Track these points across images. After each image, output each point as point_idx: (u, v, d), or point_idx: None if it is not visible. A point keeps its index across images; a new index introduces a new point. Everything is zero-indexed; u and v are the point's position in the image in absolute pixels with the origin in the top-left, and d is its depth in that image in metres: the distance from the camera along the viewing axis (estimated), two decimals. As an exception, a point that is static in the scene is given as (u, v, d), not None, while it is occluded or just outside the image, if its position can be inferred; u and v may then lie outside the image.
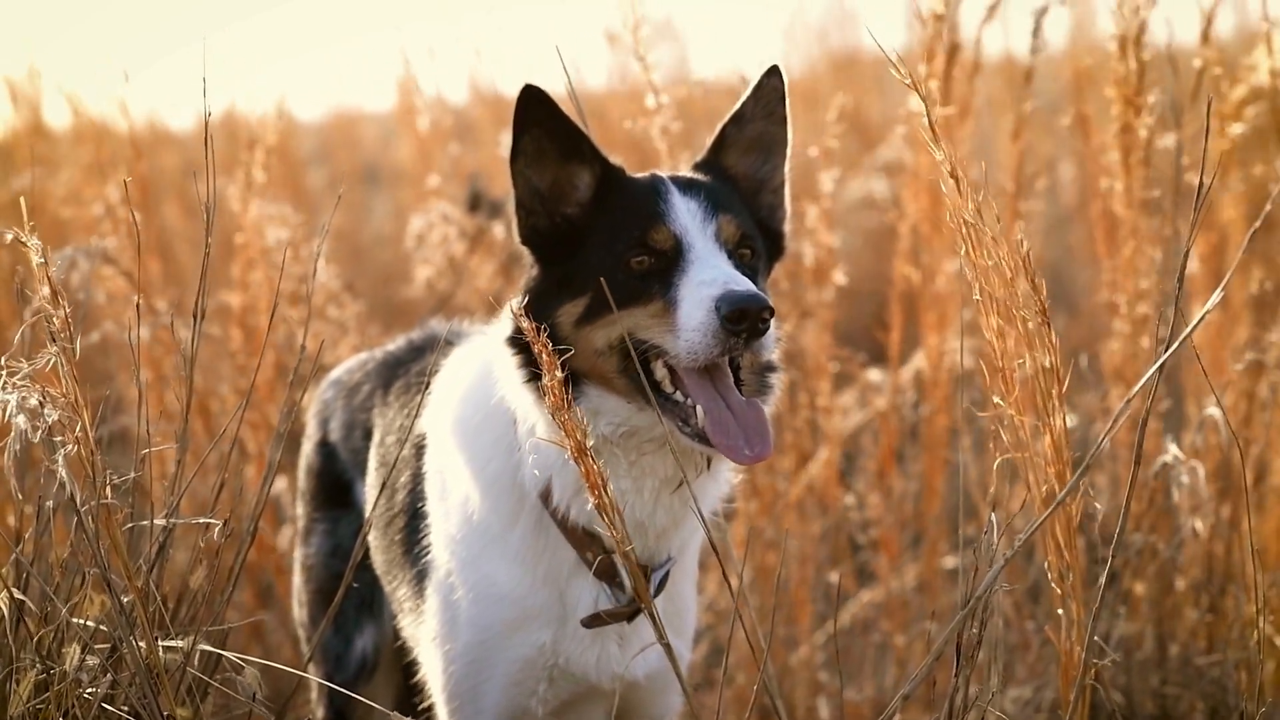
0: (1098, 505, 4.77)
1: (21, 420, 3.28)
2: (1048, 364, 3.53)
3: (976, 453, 6.13)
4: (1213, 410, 5.08)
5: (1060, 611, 3.71)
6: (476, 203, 7.71)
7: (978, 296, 3.54)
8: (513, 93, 3.64)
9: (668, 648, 3.46)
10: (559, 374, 3.29)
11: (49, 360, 3.36)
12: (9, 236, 3.43)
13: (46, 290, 3.41)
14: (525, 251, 3.76)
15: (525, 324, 3.32)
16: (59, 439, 3.35)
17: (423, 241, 7.61)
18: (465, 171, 8.45)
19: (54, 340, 3.38)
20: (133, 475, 3.60)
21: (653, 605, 3.46)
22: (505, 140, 7.01)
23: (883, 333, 6.37)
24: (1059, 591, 3.69)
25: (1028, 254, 3.45)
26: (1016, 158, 5.97)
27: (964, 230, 3.49)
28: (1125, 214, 5.39)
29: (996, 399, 3.61)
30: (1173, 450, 4.84)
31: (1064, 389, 3.56)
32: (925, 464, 6.19)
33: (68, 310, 3.42)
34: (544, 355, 3.29)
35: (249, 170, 6.50)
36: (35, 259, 3.38)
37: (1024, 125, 5.92)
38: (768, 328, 3.41)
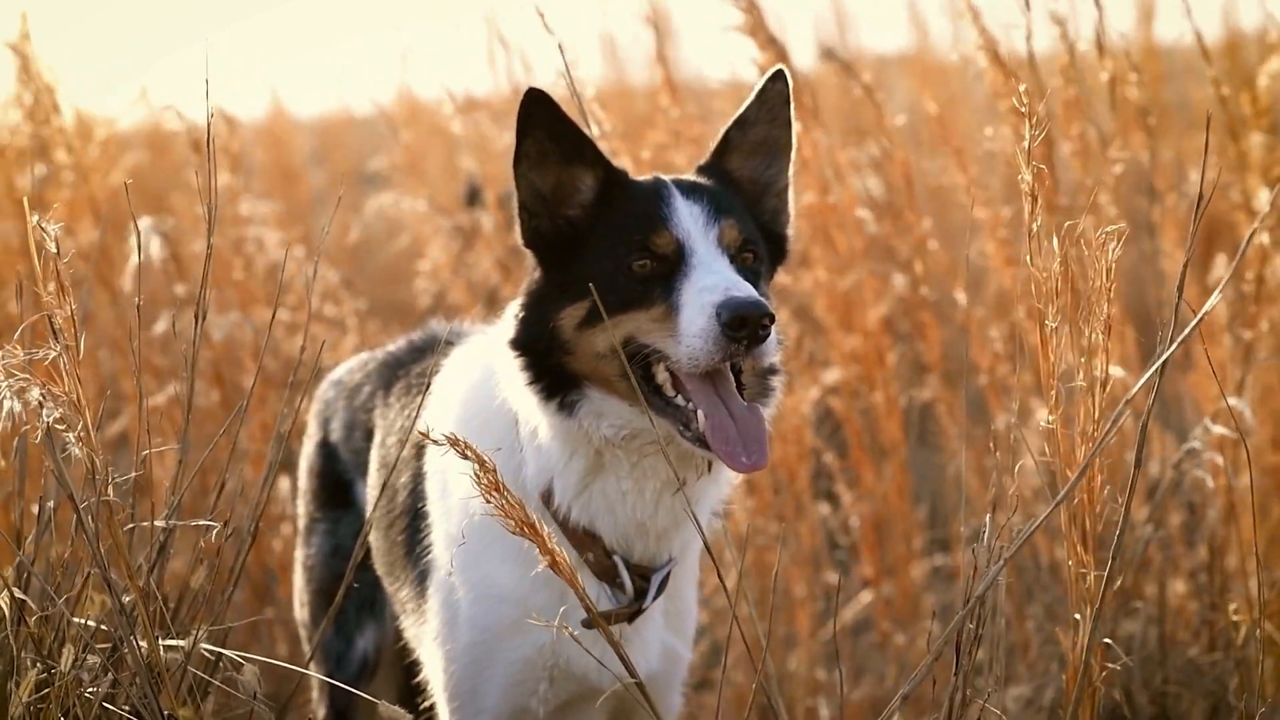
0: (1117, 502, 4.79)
1: (14, 405, 3.27)
2: (1098, 376, 3.55)
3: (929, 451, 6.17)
4: (1233, 400, 5.08)
5: (1076, 616, 3.70)
6: (473, 199, 7.72)
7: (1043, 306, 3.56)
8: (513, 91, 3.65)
9: (641, 686, 3.47)
10: (491, 467, 3.29)
11: (50, 355, 3.36)
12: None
13: (53, 286, 3.41)
14: (528, 254, 3.77)
15: (470, 454, 3.31)
16: (62, 428, 3.35)
17: (414, 237, 7.63)
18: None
19: (57, 338, 3.38)
20: (133, 475, 3.60)
21: (620, 647, 3.46)
22: (499, 137, 7.07)
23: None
24: (1075, 590, 3.69)
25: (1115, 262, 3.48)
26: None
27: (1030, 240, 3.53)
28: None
29: (1047, 417, 3.62)
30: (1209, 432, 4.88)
31: (1107, 390, 3.57)
32: (888, 466, 6.19)
33: (74, 307, 3.42)
34: (468, 454, 3.29)
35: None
36: (50, 245, 3.37)
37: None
38: (768, 334, 3.41)
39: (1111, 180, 5.55)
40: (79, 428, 3.37)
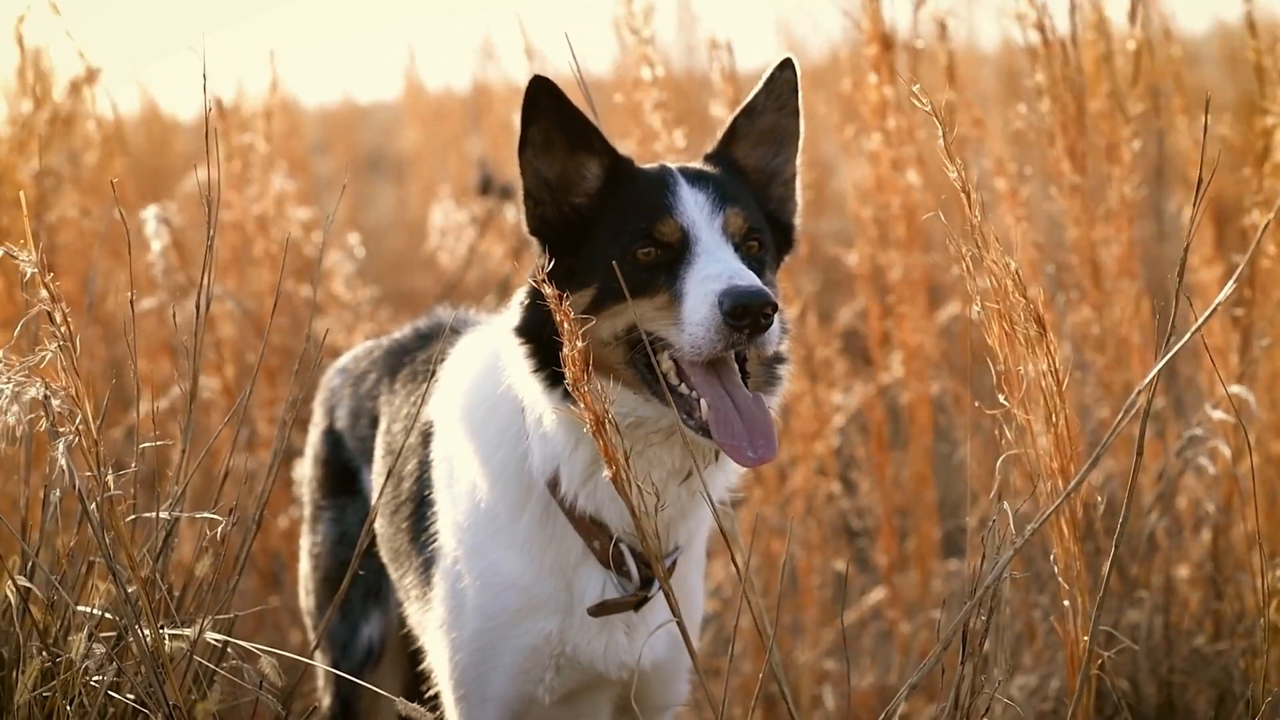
0: (1099, 498, 4.77)
1: (14, 413, 3.28)
2: (1046, 368, 3.54)
3: (957, 441, 6.14)
4: (1235, 388, 5.06)
5: (1066, 603, 3.71)
6: (486, 186, 7.72)
7: (978, 311, 3.55)
8: (520, 80, 3.64)
9: (681, 626, 3.45)
10: (579, 344, 3.25)
11: (44, 357, 3.36)
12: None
13: (45, 294, 3.41)
14: (534, 241, 3.76)
15: (549, 290, 3.26)
16: (61, 430, 3.35)
17: (445, 235, 7.63)
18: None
19: (52, 337, 3.38)
20: (135, 469, 3.60)
21: (667, 584, 3.44)
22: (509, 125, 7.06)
23: (861, 321, 6.39)
24: (1064, 583, 3.70)
25: (1017, 272, 3.47)
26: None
27: (964, 247, 3.52)
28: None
29: (1002, 399, 3.61)
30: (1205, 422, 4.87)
31: (1064, 388, 3.56)
32: (911, 452, 6.19)
33: (66, 311, 3.41)
34: (565, 325, 3.25)
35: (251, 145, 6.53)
36: (29, 269, 3.38)
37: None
38: (770, 323, 3.40)
39: (1130, 155, 5.53)
40: (78, 420, 3.37)
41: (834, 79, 6.48)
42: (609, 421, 3.29)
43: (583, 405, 3.28)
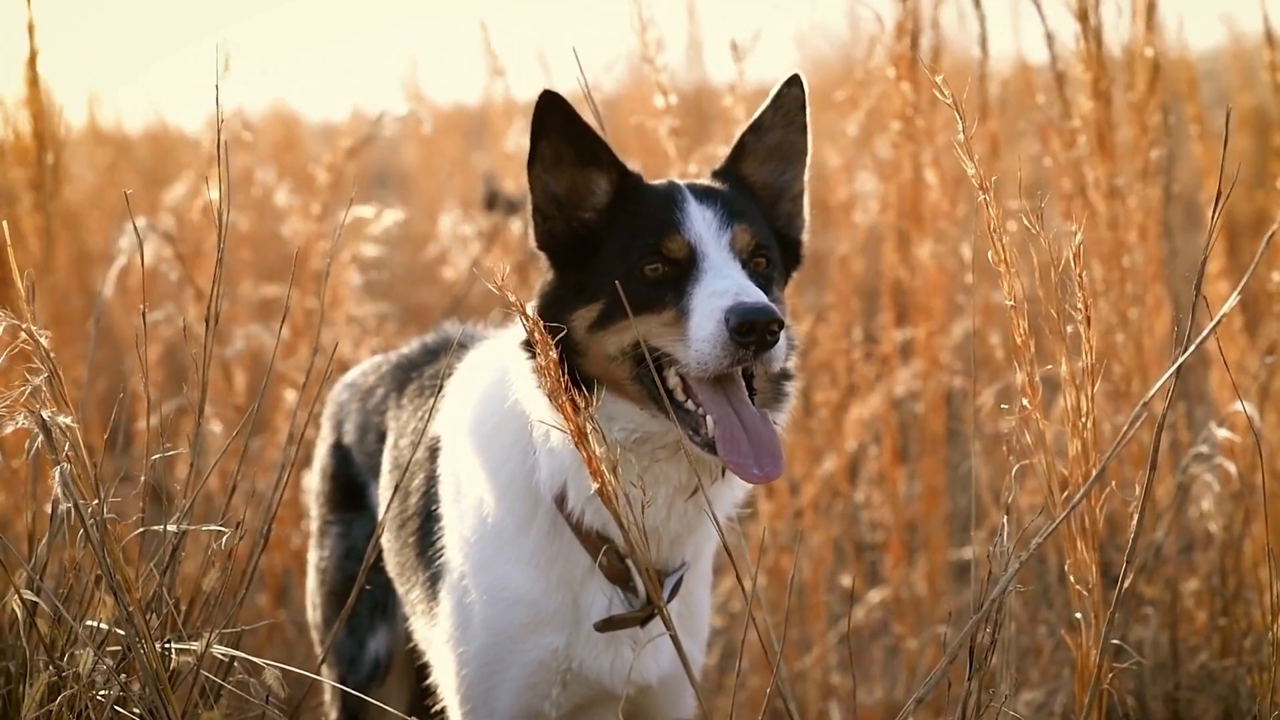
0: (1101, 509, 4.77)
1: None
2: (1083, 366, 3.53)
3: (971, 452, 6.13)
4: (1240, 405, 5.05)
5: (1079, 615, 3.70)
6: (492, 201, 7.72)
7: (1010, 302, 3.54)
8: (527, 93, 3.65)
9: (676, 642, 3.45)
10: (553, 354, 3.29)
11: (24, 392, 3.37)
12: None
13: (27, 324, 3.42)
14: (541, 256, 3.77)
15: (511, 297, 3.30)
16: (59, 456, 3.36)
17: (450, 248, 7.64)
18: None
19: (37, 368, 3.39)
20: (143, 480, 3.60)
21: (663, 604, 3.45)
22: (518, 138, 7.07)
23: (878, 330, 6.38)
24: (1079, 593, 3.68)
25: (1079, 249, 3.46)
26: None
27: (996, 238, 3.51)
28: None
29: (1024, 401, 3.60)
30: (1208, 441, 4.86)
31: (1095, 389, 3.56)
32: (925, 464, 6.18)
33: (46, 340, 3.41)
34: (536, 333, 3.29)
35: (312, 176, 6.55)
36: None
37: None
38: (777, 340, 3.40)
39: (1153, 160, 5.51)
40: (66, 447, 3.37)
41: (850, 90, 6.45)
42: (590, 432, 3.32)
43: (562, 416, 3.30)
